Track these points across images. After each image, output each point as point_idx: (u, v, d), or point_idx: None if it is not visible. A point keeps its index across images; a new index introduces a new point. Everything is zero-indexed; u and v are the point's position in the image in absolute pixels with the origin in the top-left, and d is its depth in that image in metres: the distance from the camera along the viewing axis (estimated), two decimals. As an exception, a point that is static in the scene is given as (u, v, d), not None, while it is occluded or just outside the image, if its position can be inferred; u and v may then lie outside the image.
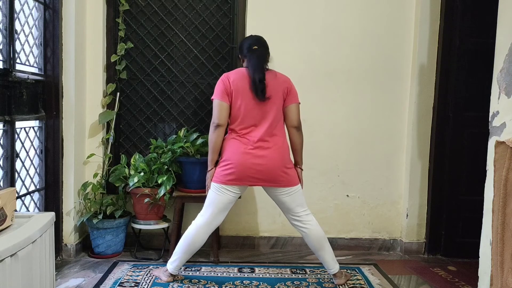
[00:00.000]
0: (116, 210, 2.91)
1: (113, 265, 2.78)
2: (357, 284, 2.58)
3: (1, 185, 2.28)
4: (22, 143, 2.52)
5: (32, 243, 1.60)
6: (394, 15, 3.14)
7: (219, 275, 2.66)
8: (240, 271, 2.74)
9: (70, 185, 2.86)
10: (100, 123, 3.06)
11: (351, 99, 3.18)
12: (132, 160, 2.98)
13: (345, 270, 2.69)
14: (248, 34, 2.99)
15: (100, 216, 2.85)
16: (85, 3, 2.97)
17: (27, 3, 2.57)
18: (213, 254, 2.88)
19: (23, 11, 2.52)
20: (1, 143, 2.30)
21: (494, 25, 1.92)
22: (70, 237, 2.89)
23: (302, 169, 2.52)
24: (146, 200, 2.83)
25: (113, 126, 3.06)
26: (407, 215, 3.17)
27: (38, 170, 2.73)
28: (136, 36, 3.12)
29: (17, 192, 2.28)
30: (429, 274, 2.81)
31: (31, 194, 2.64)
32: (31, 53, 2.62)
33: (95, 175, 3.04)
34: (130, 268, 2.73)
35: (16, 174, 2.41)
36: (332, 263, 2.50)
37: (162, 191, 2.78)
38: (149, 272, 2.67)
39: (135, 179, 2.83)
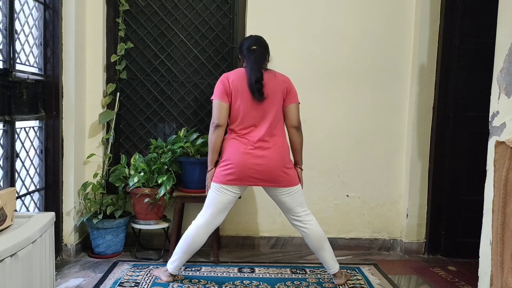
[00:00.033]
0: (116, 210, 2.91)
1: (113, 265, 2.78)
2: (357, 284, 2.58)
3: (1, 185, 2.28)
4: (22, 143, 2.52)
5: (32, 243, 1.60)
6: (394, 15, 3.14)
7: (219, 275, 2.66)
8: (240, 271, 2.74)
9: (70, 185, 2.86)
10: (100, 123, 3.06)
11: (351, 99, 3.18)
12: (132, 160, 2.98)
13: (345, 270, 2.69)
14: (248, 34, 2.99)
15: (100, 216, 2.85)
16: (85, 3, 2.97)
17: (27, 3, 2.57)
18: (213, 254, 2.88)
19: (23, 11, 2.52)
20: (1, 143, 2.30)
21: (494, 25, 1.92)
22: (70, 237, 2.89)
23: (302, 169, 2.52)
24: (146, 200, 2.83)
25: (113, 126, 3.06)
26: (407, 215, 3.17)
27: (38, 170, 2.73)
28: (136, 36, 3.12)
29: (17, 192, 2.28)
30: (429, 274, 2.81)
31: (31, 194, 2.64)
32: (31, 53, 2.62)
33: (95, 175, 3.04)
34: (130, 268, 2.73)
35: (16, 174, 2.41)
36: (332, 263, 2.50)
37: (162, 191, 2.79)
38: (149, 272, 2.67)
39: (135, 179, 2.83)
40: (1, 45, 2.30)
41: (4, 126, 2.31)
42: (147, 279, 2.56)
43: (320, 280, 2.62)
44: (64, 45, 2.77)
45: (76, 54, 2.82)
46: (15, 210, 1.72)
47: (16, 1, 2.40)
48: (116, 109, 3.08)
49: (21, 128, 2.51)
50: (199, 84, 3.17)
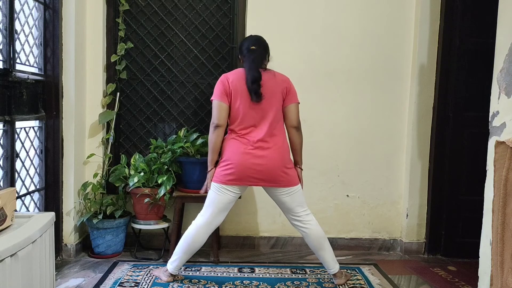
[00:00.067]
0: (116, 210, 2.91)
1: (113, 265, 2.78)
2: (357, 284, 2.58)
3: (1, 185, 2.28)
4: (22, 143, 2.52)
5: (32, 243, 1.60)
6: (394, 15, 3.14)
7: (219, 275, 2.66)
8: (240, 271, 2.74)
9: (70, 185, 2.86)
10: (100, 123, 3.06)
11: (351, 99, 3.18)
12: (132, 160, 2.98)
13: (345, 270, 2.69)
14: (248, 34, 2.99)
15: (100, 216, 2.85)
16: (85, 3, 2.97)
17: (27, 3, 2.57)
18: (213, 254, 2.88)
19: (23, 11, 2.52)
20: (1, 143, 2.30)
21: (494, 25, 1.92)
22: (70, 237, 2.89)
23: (302, 169, 2.52)
24: (146, 200, 2.83)
25: (113, 126, 3.06)
26: (407, 215, 3.17)
27: (38, 170, 2.73)
28: (136, 36, 3.12)
29: (17, 192, 2.28)
30: (429, 274, 2.81)
31: (31, 194, 2.64)
32: (31, 53, 2.62)
33: (95, 175, 3.04)
34: (130, 268, 2.73)
35: (16, 174, 2.41)
36: (332, 263, 2.50)
37: (162, 191, 2.79)
38: (149, 272, 2.67)
39: (135, 179, 2.83)
40: (1, 45, 2.30)
41: (4, 126, 2.31)
42: (147, 279, 2.56)
43: (320, 280, 2.62)
44: (64, 45, 2.77)
45: (76, 54, 2.82)
46: (15, 210, 1.72)
47: (16, 1, 2.40)
48: (116, 109, 3.08)
49: (21, 128, 2.51)
50: (199, 84, 3.17)
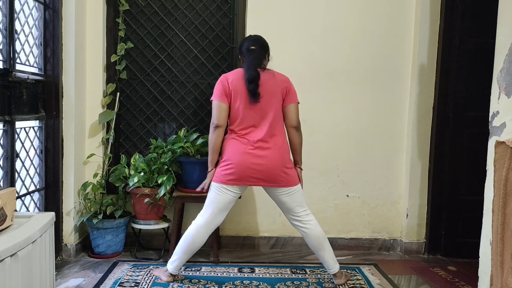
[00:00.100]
0: (116, 210, 2.91)
1: (113, 265, 2.78)
2: (357, 284, 2.58)
3: (1, 185, 2.28)
4: (22, 143, 2.52)
5: (32, 243, 1.60)
6: (394, 15, 3.14)
7: (219, 275, 2.66)
8: (240, 271, 2.74)
9: (70, 185, 2.86)
10: (100, 123, 3.06)
11: (351, 99, 3.18)
12: (132, 160, 2.98)
13: (345, 270, 2.69)
14: (248, 34, 2.99)
15: (100, 216, 2.85)
16: (85, 3, 2.97)
17: (27, 3, 2.57)
18: (213, 254, 2.88)
19: (23, 11, 2.52)
20: (1, 143, 2.30)
21: (494, 25, 1.92)
22: (70, 237, 2.89)
23: (301, 169, 2.52)
24: (146, 200, 2.83)
25: (113, 126, 3.06)
26: (407, 215, 3.17)
27: (38, 170, 2.73)
28: (136, 36, 3.12)
29: (17, 192, 2.28)
30: (429, 274, 2.81)
31: (31, 194, 2.64)
32: (31, 53, 2.62)
33: (95, 175, 3.04)
34: (130, 268, 2.73)
35: (16, 174, 2.41)
36: (332, 263, 2.50)
37: (162, 191, 2.79)
38: (149, 272, 2.67)
39: (135, 179, 2.83)
40: (1, 45, 2.30)
41: (4, 126, 2.31)
42: (147, 279, 2.56)
43: (320, 280, 2.62)
44: (64, 45, 2.77)
45: (76, 54, 2.82)
46: (15, 210, 1.72)
47: (16, 1, 2.40)
48: (116, 109, 3.08)
49: (21, 128, 2.51)
50: (199, 84, 3.17)
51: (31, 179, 2.64)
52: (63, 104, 2.80)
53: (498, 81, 1.85)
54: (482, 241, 1.91)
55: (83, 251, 3.02)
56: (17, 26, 2.43)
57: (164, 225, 2.95)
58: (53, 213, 1.87)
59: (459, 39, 3.03)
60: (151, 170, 2.91)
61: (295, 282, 2.58)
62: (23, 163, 2.53)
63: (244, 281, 2.56)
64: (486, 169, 1.88)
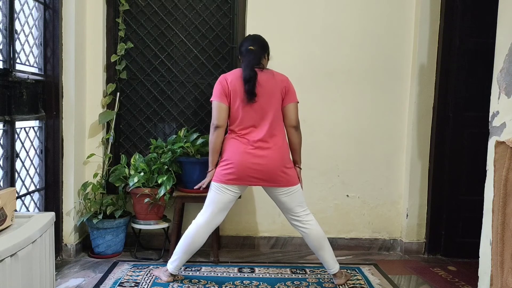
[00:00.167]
0: (116, 210, 2.91)
1: (113, 265, 2.78)
2: (357, 284, 2.58)
3: (1, 185, 2.28)
4: (22, 143, 2.52)
5: (32, 243, 1.60)
6: (394, 15, 3.14)
7: (219, 275, 2.66)
8: (240, 271, 2.74)
9: (70, 185, 2.86)
10: (100, 123, 3.06)
11: (351, 99, 3.18)
12: (132, 160, 2.98)
13: (345, 270, 2.69)
14: (248, 34, 2.99)
15: (100, 216, 2.85)
16: (85, 3, 2.97)
17: (27, 3, 2.57)
18: (213, 254, 2.88)
19: (23, 11, 2.52)
20: (1, 143, 2.30)
21: (494, 25, 1.92)
22: (70, 237, 2.89)
23: (300, 168, 2.52)
24: (146, 200, 2.83)
25: (113, 126, 3.06)
26: (407, 215, 3.17)
27: (38, 170, 2.73)
28: (136, 36, 3.12)
29: (17, 192, 2.28)
30: (429, 274, 2.81)
31: (31, 194, 2.64)
32: (31, 53, 2.62)
33: (95, 175, 3.04)
34: (130, 268, 2.73)
35: (16, 174, 2.41)
36: (332, 263, 2.50)
37: (162, 191, 2.79)
38: (149, 272, 2.67)
39: (135, 179, 2.83)
40: (1, 45, 2.30)
41: (4, 126, 2.31)
42: (147, 279, 2.56)
43: (320, 280, 2.62)
44: (64, 45, 2.77)
45: (76, 54, 2.82)
46: (15, 210, 1.72)
47: (16, 1, 2.40)
48: (116, 109, 3.08)
49: (21, 128, 2.51)
50: (199, 84, 3.17)
51: (31, 179, 2.64)
52: (63, 104, 2.80)
53: (498, 81, 1.85)
54: (482, 241, 1.91)
55: (83, 251, 3.02)
56: (17, 26, 2.43)
57: (164, 225, 2.95)
58: (53, 213, 1.87)
59: (459, 39, 3.03)
60: (151, 170, 2.91)
61: (295, 282, 2.58)
62: (23, 163, 2.53)
63: (244, 281, 2.56)
64: (486, 169, 1.88)
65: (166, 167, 2.92)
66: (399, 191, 3.24)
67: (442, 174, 3.11)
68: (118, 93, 3.09)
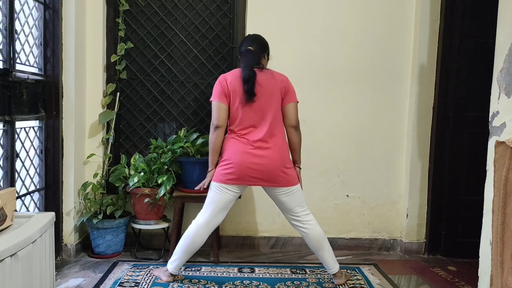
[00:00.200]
0: (116, 210, 2.91)
1: (113, 265, 2.78)
2: (357, 284, 2.58)
3: (1, 185, 2.28)
4: (22, 143, 2.52)
5: (32, 243, 1.60)
6: (394, 15, 3.14)
7: (219, 275, 2.66)
8: (240, 271, 2.74)
9: (70, 185, 2.86)
10: (100, 123, 3.06)
11: (351, 99, 3.18)
12: (132, 160, 2.98)
13: (345, 270, 2.69)
14: (248, 34, 2.99)
15: (100, 216, 2.85)
16: (85, 3, 2.97)
17: (27, 3, 2.57)
18: (213, 254, 2.88)
19: (23, 11, 2.52)
20: (1, 143, 2.30)
21: (494, 25, 1.92)
22: (70, 237, 2.89)
23: (300, 168, 2.52)
24: (146, 200, 2.83)
25: (113, 126, 3.06)
26: (407, 215, 3.17)
27: (38, 170, 2.73)
28: (136, 36, 3.12)
29: (17, 192, 2.28)
30: (429, 274, 2.81)
31: (31, 194, 2.64)
32: (31, 53, 2.62)
33: (95, 175, 3.04)
34: (130, 268, 2.73)
35: (16, 174, 2.41)
36: (332, 263, 2.50)
37: (162, 191, 2.79)
38: (149, 272, 2.67)
39: (135, 179, 2.83)
40: (1, 45, 2.30)
41: (4, 126, 2.31)
42: (147, 279, 2.56)
43: (320, 280, 2.62)
44: (64, 45, 2.77)
45: (76, 54, 2.82)
46: (15, 210, 1.72)
47: (16, 1, 2.40)
48: (116, 109, 3.08)
49: (21, 128, 2.51)
50: (199, 84, 3.17)
51: (31, 179, 2.64)
52: (63, 104, 2.80)
53: (498, 81, 1.85)
54: (482, 241, 1.91)
55: (83, 251, 3.02)
56: (17, 26, 2.43)
57: (164, 225, 2.95)
58: (53, 213, 1.87)
59: (459, 39, 3.03)
60: (151, 170, 2.91)
61: (295, 282, 2.58)
62: (23, 163, 2.53)
63: (244, 281, 2.56)
64: (486, 169, 1.88)
65: (166, 167, 2.92)
66: (399, 191, 3.24)
67: (442, 174, 3.11)
68: (118, 93, 3.09)
